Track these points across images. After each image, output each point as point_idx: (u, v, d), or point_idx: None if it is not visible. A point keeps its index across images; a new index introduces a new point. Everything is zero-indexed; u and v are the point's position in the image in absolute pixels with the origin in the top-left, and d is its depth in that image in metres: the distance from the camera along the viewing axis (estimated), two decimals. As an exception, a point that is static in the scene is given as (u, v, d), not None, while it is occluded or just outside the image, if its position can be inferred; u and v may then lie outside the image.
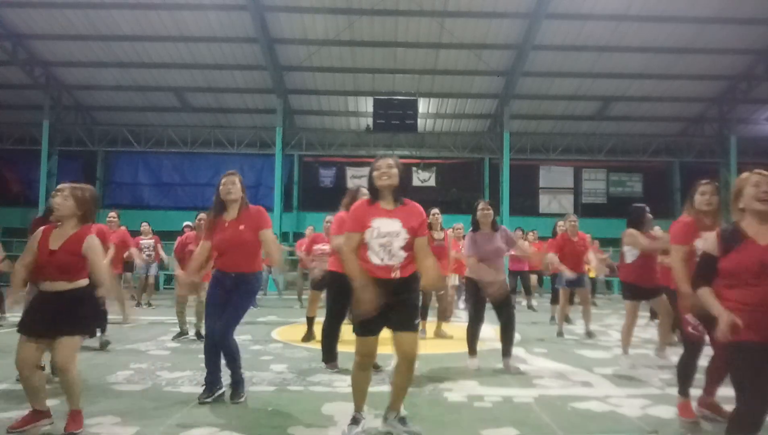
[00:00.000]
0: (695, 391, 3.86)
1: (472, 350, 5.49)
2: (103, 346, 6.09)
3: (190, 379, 4.80)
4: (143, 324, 8.52)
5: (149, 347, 6.40)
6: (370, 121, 17.59)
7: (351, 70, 16.82)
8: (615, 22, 14.90)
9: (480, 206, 5.47)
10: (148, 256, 11.09)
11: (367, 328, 3.28)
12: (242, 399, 4.11)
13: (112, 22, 15.03)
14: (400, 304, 3.24)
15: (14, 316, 8.15)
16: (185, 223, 12.08)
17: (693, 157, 18.95)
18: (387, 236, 3.23)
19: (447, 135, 19.51)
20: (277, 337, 7.33)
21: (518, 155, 18.47)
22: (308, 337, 6.85)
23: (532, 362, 5.81)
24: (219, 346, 4.12)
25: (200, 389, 4.41)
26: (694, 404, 3.80)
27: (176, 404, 4.00)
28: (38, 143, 17.79)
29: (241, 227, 4.14)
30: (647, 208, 5.61)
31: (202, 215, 6.93)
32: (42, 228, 3.53)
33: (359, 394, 3.40)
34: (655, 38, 15.31)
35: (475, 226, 5.46)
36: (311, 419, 3.73)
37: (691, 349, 3.78)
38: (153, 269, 11.43)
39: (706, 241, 2.96)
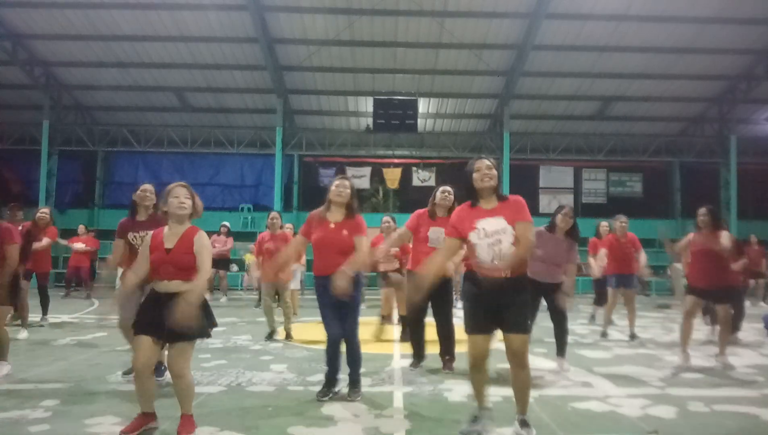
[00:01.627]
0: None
1: None
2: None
3: (190, 379, 4.80)
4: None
5: (149, 347, 6.39)
6: (370, 121, 17.59)
7: (351, 70, 16.82)
8: (615, 22, 14.90)
9: (564, 211, 5.40)
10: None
11: (475, 326, 3.35)
12: (358, 398, 4.24)
13: (112, 22, 15.03)
14: (512, 305, 3.30)
15: (54, 316, 8.20)
16: (223, 223, 12.27)
17: (693, 157, 18.94)
18: (495, 235, 3.29)
19: (447, 135, 19.51)
20: (278, 337, 7.33)
21: (518, 155, 18.47)
22: (404, 336, 6.65)
23: (532, 362, 5.76)
24: (347, 346, 4.33)
25: (200, 389, 4.43)
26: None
27: (176, 404, 3.98)
28: (38, 143, 17.79)
29: (345, 232, 4.26)
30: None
31: (275, 214, 7.35)
32: (152, 232, 3.54)
33: (478, 392, 3.47)
34: (655, 38, 15.31)
35: (551, 227, 5.41)
36: (311, 419, 3.73)
37: None
38: None
39: None
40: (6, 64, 16.31)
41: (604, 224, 8.17)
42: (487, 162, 3.43)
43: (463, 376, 5.02)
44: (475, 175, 3.39)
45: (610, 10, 14.48)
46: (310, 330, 7.49)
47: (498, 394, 4.42)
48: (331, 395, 4.27)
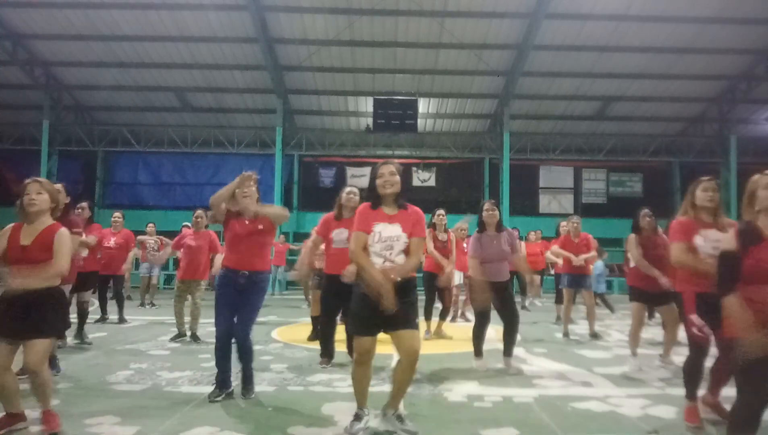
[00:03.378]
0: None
1: (478, 351, 5.46)
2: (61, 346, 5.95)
3: (190, 379, 4.80)
4: (143, 324, 8.51)
5: (149, 347, 6.40)
6: (370, 121, 17.59)
7: (351, 70, 16.82)
8: (615, 22, 14.89)
9: (485, 207, 5.41)
10: (152, 256, 11.28)
11: (363, 329, 3.33)
12: (252, 395, 4.21)
13: (112, 22, 15.03)
14: (400, 304, 3.27)
15: None
16: (184, 224, 12.13)
17: (693, 157, 18.95)
18: (388, 241, 3.33)
19: (447, 135, 19.51)
20: (277, 337, 7.33)
21: (518, 155, 18.47)
22: (314, 336, 6.86)
23: (532, 362, 5.81)
24: (239, 346, 4.22)
25: (200, 389, 4.43)
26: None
27: (176, 404, 4.00)
28: (38, 143, 17.80)
29: (260, 227, 4.27)
30: (644, 211, 5.50)
31: (200, 212, 7.08)
32: (12, 224, 3.42)
33: (360, 391, 3.43)
34: (655, 38, 15.31)
35: (481, 227, 5.42)
36: (311, 419, 3.72)
37: (697, 352, 3.68)
38: (156, 270, 11.59)
39: (723, 241, 2.93)
40: (6, 64, 16.32)
41: (563, 224, 8.30)
42: (391, 168, 3.42)
43: (463, 377, 5.03)
44: (378, 181, 3.40)
45: (610, 10, 14.47)
46: (309, 330, 7.48)
47: (498, 394, 4.43)
48: (224, 396, 4.14)
